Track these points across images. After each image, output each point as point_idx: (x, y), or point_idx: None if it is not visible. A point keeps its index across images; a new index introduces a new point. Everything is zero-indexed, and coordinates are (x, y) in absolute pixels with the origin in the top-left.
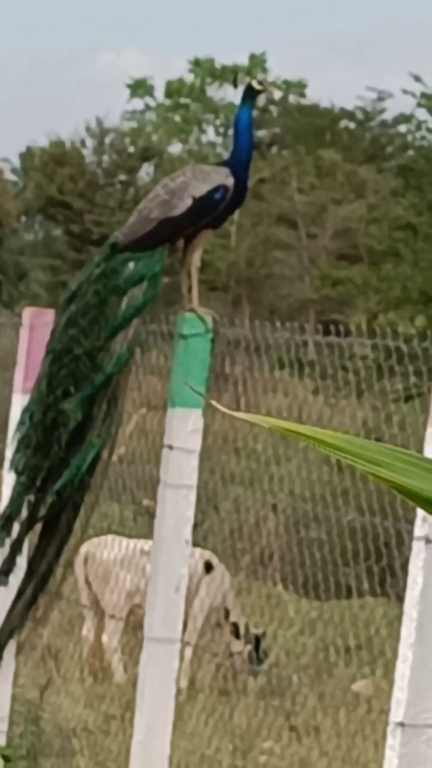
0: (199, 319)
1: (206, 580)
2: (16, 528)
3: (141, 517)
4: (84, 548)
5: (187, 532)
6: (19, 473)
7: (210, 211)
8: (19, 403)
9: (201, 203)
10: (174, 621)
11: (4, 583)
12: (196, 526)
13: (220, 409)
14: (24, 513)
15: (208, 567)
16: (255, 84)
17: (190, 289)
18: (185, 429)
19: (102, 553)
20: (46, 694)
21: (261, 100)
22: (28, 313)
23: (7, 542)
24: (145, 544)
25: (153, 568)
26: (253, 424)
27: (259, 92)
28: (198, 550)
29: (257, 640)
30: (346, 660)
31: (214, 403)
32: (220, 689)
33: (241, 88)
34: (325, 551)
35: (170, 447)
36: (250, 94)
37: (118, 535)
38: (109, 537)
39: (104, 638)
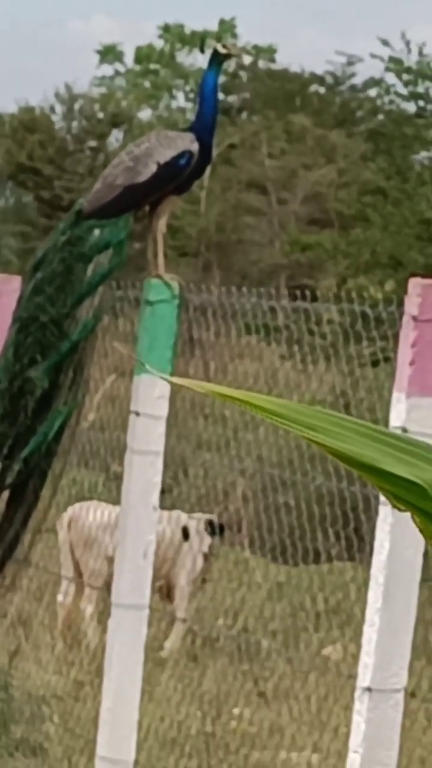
0: (165, 285)
1: (186, 546)
2: None
3: (110, 482)
4: (69, 512)
5: (155, 498)
6: None
7: (175, 177)
8: None
9: (166, 169)
10: (142, 587)
11: None
12: (164, 492)
13: (154, 373)
14: None
15: (186, 534)
16: (220, 48)
17: (155, 255)
18: (152, 395)
19: (86, 517)
20: (15, 660)
21: (231, 65)
22: None
23: None
24: None
25: (121, 534)
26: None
27: (225, 56)
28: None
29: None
30: (316, 624)
31: (149, 367)
32: (189, 655)
33: (209, 54)
34: (293, 516)
35: (137, 413)
36: (216, 58)
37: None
38: (94, 502)
39: (81, 604)
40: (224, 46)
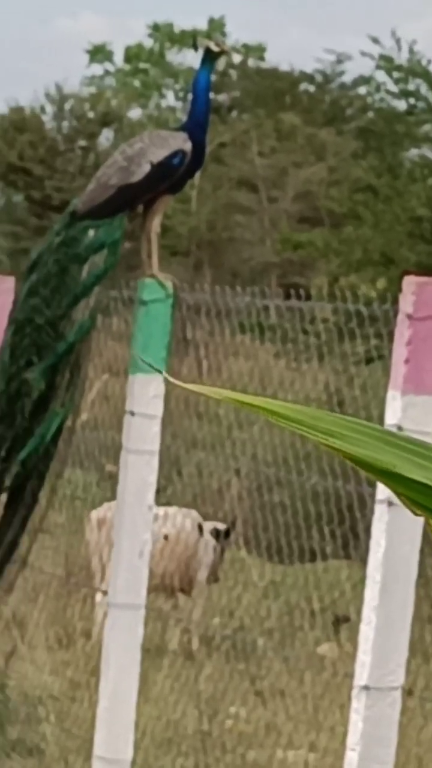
0: (159, 284)
1: (202, 541)
2: None
3: (104, 482)
4: (97, 513)
5: (150, 498)
6: None
7: (169, 177)
8: None
9: (159, 169)
10: (138, 587)
11: None
12: (159, 491)
13: (174, 382)
14: None
15: (201, 529)
16: (213, 46)
17: (149, 255)
18: (147, 395)
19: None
20: (11, 661)
21: (221, 64)
22: None
23: None
24: (158, 510)
25: (116, 534)
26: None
27: (217, 55)
28: (193, 512)
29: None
30: (311, 623)
31: (166, 375)
32: (185, 654)
33: (200, 52)
34: (288, 515)
35: (132, 413)
36: (209, 56)
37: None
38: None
39: (97, 597)
40: (217, 45)
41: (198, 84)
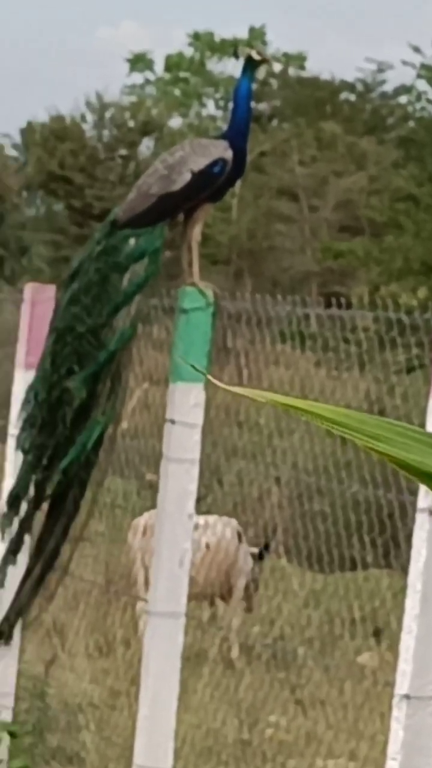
0: (200, 293)
1: (242, 549)
2: (23, 507)
3: (145, 491)
4: (143, 519)
5: (190, 506)
6: (25, 452)
7: (209, 185)
8: (21, 378)
9: (200, 177)
10: (178, 595)
11: (13, 562)
12: (199, 499)
13: (219, 385)
14: (31, 492)
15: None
16: (254, 54)
17: (190, 264)
18: (187, 403)
19: None
20: (51, 669)
21: (261, 73)
22: (29, 288)
23: (15, 521)
24: (199, 518)
25: (156, 542)
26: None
27: (258, 63)
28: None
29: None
30: (351, 632)
31: (211, 378)
32: (225, 662)
33: (242, 61)
34: (328, 524)
35: (172, 421)
36: (250, 65)
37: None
38: None
39: (138, 606)
40: (259, 53)
41: (239, 92)
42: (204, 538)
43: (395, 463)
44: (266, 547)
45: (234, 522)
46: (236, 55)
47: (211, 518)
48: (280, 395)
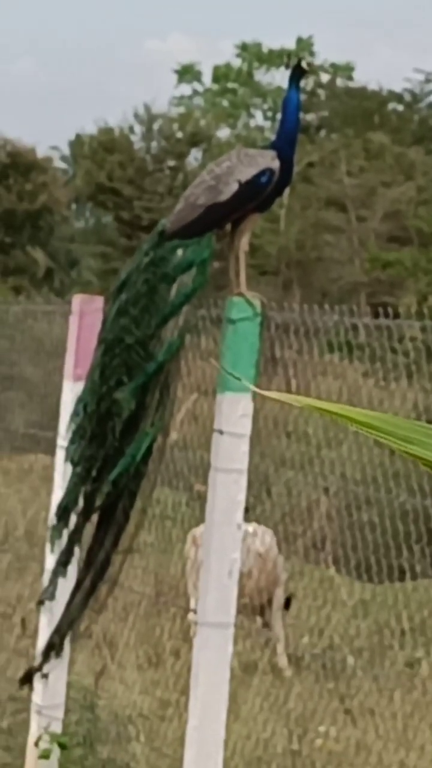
0: (248, 303)
1: (281, 559)
2: (73, 519)
3: (193, 502)
4: (198, 531)
5: (239, 517)
6: (74, 464)
7: (257, 195)
8: (69, 390)
9: (247, 187)
10: (227, 605)
11: (63, 574)
12: (248, 510)
13: (252, 389)
14: (81, 503)
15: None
16: (303, 64)
17: (237, 274)
18: (235, 413)
19: None
20: (101, 680)
21: (309, 83)
22: (77, 300)
23: (65, 533)
24: (248, 526)
25: (205, 553)
26: (303, 407)
27: (306, 72)
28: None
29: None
30: (401, 642)
31: (248, 384)
32: (274, 673)
33: (289, 71)
34: (377, 534)
35: (220, 432)
36: (298, 74)
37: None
38: None
39: (190, 616)
40: (308, 64)
41: (288, 101)
42: (253, 547)
43: (428, 466)
44: (288, 600)
45: (271, 531)
46: (287, 66)
47: (251, 526)
48: (313, 400)
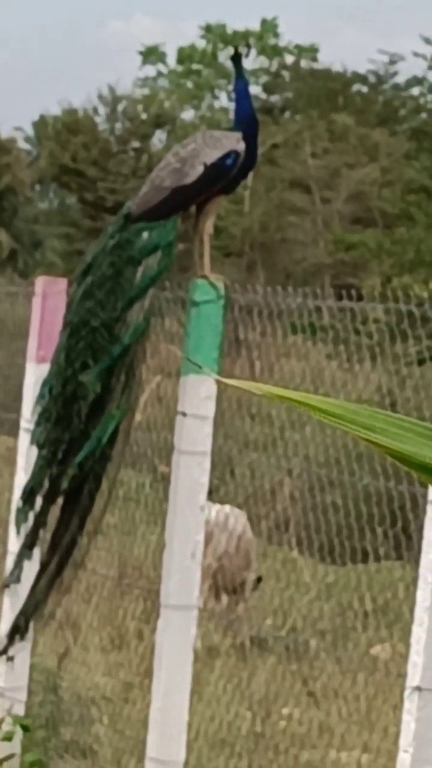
0: (211, 285)
1: (255, 543)
2: (38, 502)
3: (157, 483)
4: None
5: (202, 499)
6: (40, 447)
7: (222, 177)
8: (32, 371)
9: (213, 170)
10: (190, 588)
11: (29, 557)
12: (211, 492)
13: (214, 377)
14: (46, 486)
15: None
16: (240, 49)
17: (202, 256)
18: (198, 396)
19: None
20: (64, 662)
21: (273, 65)
22: (40, 281)
23: (30, 516)
24: (224, 507)
25: (168, 535)
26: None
27: (242, 54)
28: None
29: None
30: (364, 624)
31: (209, 373)
32: (238, 654)
33: (252, 58)
34: (341, 516)
35: (184, 414)
36: (238, 60)
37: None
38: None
39: None
40: (246, 46)
41: (236, 89)
42: (230, 527)
43: (390, 454)
44: (259, 579)
45: (244, 513)
46: (246, 55)
47: (227, 507)
48: (273, 387)
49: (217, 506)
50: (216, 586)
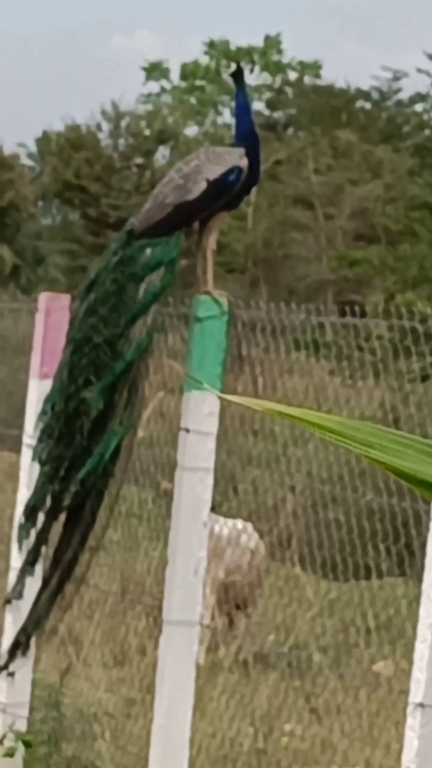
0: (214, 301)
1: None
2: (40, 518)
3: (160, 499)
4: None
5: (205, 515)
6: (42, 463)
7: (225, 193)
8: (35, 387)
9: (216, 186)
10: (193, 604)
11: (31, 573)
12: (214, 508)
13: (217, 394)
14: (48, 503)
15: None
16: (234, 66)
17: (205, 272)
18: (201, 412)
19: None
20: (66, 678)
21: (276, 81)
22: (43, 297)
23: (33, 532)
24: (236, 522)
25: (171, 551)
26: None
27: (242, 70)
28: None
29: None
30: (367, 640)
31: (211, 389)
32: (240, 671)
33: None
34: (343, 532)
35: (187, 430)
36: (238, 76)
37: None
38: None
39: None
40: (237, 63)
41: (236, 105)
42: (244, 542)
43: (390, 471)
44: None
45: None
46: (235, 75)
47: (240, 523)
48: (274, 403)
49: (230, 522)
50: (225, 602)
